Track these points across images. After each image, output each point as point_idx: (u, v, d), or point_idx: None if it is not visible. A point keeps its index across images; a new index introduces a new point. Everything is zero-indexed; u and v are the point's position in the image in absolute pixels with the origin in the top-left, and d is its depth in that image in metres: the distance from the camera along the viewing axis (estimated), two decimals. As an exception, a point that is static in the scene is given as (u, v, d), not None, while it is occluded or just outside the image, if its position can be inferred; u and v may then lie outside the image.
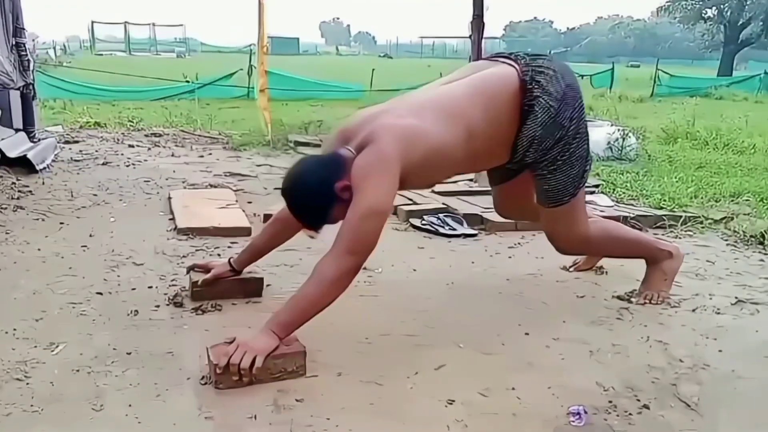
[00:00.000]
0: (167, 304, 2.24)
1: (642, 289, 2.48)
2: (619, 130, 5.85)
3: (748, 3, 31.65)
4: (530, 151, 2.11)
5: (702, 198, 4.18)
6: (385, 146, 1.85)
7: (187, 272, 2.36)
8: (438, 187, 4.09)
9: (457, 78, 2.15)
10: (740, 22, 32.06)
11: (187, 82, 11.82)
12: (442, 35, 60.17)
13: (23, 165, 4.17)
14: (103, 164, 4.72)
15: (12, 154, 4.19)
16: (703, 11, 34.27)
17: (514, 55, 2.17)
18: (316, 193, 1.88)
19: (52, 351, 1.88)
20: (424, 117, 1.95)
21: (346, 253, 1.79)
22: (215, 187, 4.13)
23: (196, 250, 2.85)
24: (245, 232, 3.08)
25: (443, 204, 3.71)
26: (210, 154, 5.42)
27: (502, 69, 2.11)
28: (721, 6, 33.08)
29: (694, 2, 34.21)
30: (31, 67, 4.90)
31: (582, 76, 19.77)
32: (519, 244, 3.16)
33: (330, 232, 1.89)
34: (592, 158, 2.28)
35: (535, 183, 2.25)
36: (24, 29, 4.77)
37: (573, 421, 1.64)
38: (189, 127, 6.89)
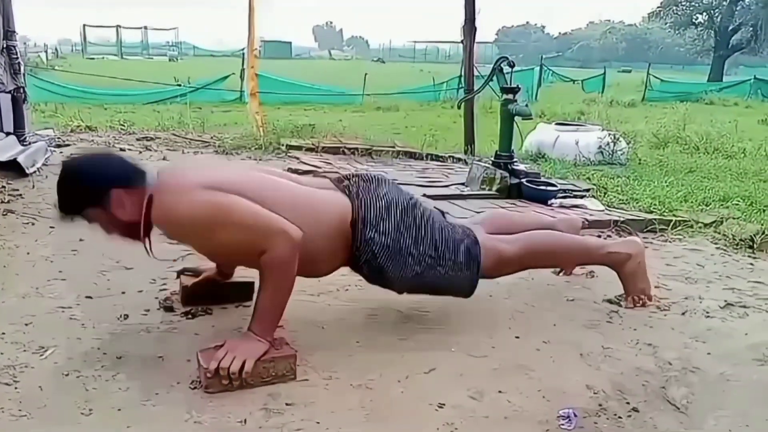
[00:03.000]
0: (157, 309, 2.23)
1: (625, 296, 2.48)
2: (609, 134, 5.88)
3: (737, 9, 32.00)
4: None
5: (692, 202, 4.20)
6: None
7: (178, 276, 2.35)
8: (429, 191, 4.11)
9: (295, 181, 2.09)
10: (730, 28, 32.37)
11: (179, 85, 11.85)
12: (435, 40, 60.33)
13: (13, 168, 4.14)
14: (94, 168, 4.69)
15: (2, 157, 4.17)
16: (694, 17, 34.61)
17: (347, 183, 2.10)
18: (87, 181, 1.83)
19: (41, 355, 1.87)
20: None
21: (271, 240, 1.77)
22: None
23: (187, 254, 2.83)
24: (236, 235, 3.06)
25: (435, 208, 3.70)
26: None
27: (338, 197, 2.05)
28: (711, 12, 33.43)
29: (684, 8, 34.56)
30: (22, 71, 4.87)
31: (573, 81, 19.98)
32: (510, 247, 3.16)
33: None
34: (468, 232, 2.21)
35: None
36: (14, 32, 4.75)
37: (563, 425, 1.65)
38: (181, 131, 6.87)
